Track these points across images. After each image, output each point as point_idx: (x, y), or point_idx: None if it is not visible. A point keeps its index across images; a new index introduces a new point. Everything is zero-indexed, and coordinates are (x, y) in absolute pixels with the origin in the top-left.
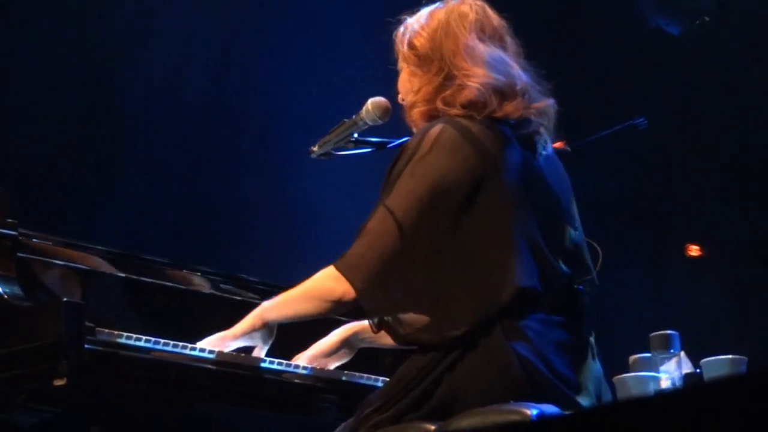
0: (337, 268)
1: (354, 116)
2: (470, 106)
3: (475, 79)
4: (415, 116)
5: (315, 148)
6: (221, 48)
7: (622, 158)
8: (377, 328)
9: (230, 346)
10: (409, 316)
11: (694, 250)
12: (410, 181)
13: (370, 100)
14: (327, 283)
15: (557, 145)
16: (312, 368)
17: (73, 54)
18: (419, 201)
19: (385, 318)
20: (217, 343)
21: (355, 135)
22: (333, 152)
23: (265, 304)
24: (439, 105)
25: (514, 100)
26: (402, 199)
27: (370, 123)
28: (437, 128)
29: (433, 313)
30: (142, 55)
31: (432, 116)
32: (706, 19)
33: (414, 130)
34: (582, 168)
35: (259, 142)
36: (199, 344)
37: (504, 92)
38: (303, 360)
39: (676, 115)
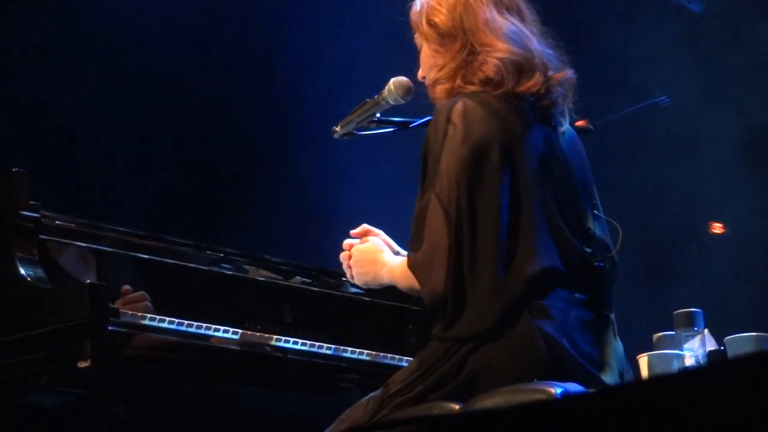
0: (412, 271)
1: (376, 96)
2: (488, 82)
3: (497, 54)
4: (438, 93)
5: (337, 129)
6: (243, 27)
7: (642, 136)
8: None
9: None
10: (454, 310)
11: (717, 228)
12: (449, 160)
13: (393, 80)
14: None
15: (580, 123)
16: (335, 348)
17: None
18: (459, 180)
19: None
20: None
21: (378, 115)
22: (355, 132)
23: (393, 269)
24: (458, 82)
25: (533, 76)
26: (446, 186)
27: (393, 102)
28: (460, 104)
29: (472, 306)
30: (161, 35)
31: (455, 93)
32: None
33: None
34: (605, 146)
35: (281, 120)
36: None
37: (523, 67)
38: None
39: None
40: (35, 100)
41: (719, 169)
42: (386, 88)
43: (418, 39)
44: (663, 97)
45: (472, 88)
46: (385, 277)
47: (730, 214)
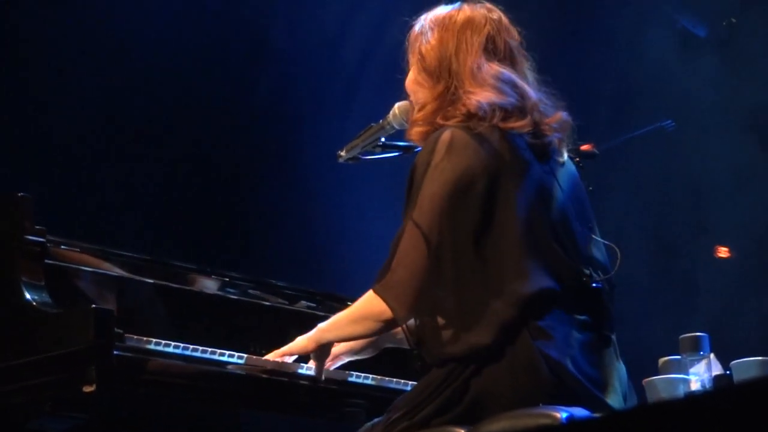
0: (375, 291)
1: (381, 120)
2: (470, 116)
3: (479, 96)
4: (414, 135)
5: (342, 153)
6: (250, 49)
7: (647, 160)
8: (416, 346)
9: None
10: (439, 331)
11: (723, 252)
12: (431, 188)
13: (397, 105)
14: (374, 303)
15: (585, 147)
16: (341, 373)
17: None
18: (441, 207)
19: (421, 336)
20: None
21: (382, 139)
22: (360, 156)
23: (321, 326)
24: (439, 120)
25: (522, 119)
26: (426, 211)
27: (397, 127)
28: (447, 134)
29: (459, 325)
30: (168, 60)
31: (432, 132)
32: (733, 20)
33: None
34: (611, 171)
35: (286, 144)
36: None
37: (510, 111)
38: (331, 357)
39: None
40: (34, 100)
41: (727, 191)
42: (391, 112)
43: (411, 58)
44: (668, 122)
45: (453, 121)
46: (322, 327)
47: (738, 239)
